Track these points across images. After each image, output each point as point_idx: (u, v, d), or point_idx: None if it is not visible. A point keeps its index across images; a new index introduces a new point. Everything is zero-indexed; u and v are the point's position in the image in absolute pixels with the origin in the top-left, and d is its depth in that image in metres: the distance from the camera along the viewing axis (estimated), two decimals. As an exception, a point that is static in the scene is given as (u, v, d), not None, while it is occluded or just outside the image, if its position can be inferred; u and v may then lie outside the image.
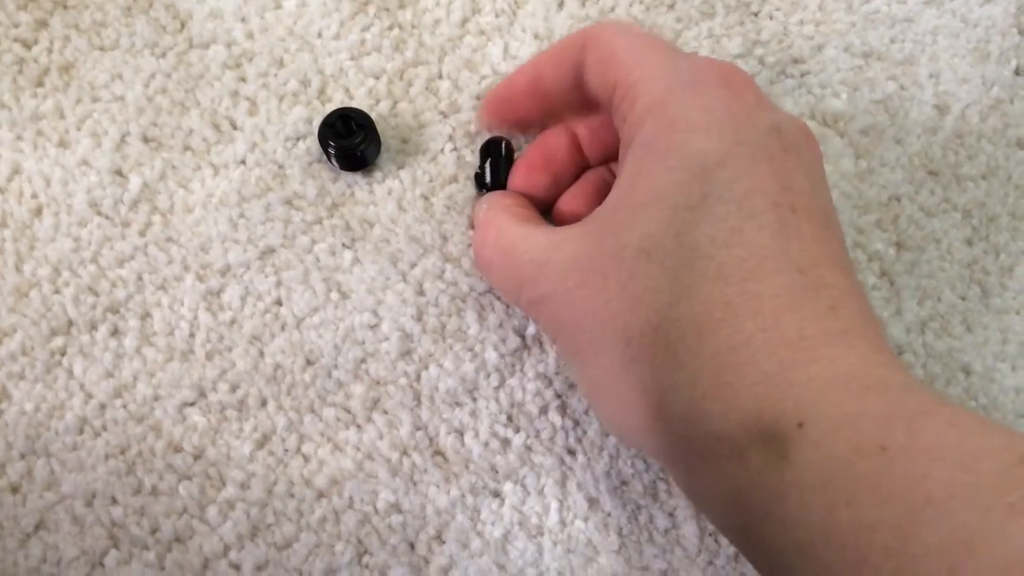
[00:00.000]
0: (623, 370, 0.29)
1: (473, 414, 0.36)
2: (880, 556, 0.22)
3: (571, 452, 0.36)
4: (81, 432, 0.34)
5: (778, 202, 0.28)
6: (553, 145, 0.36)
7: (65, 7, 0.38)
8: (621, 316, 0.29)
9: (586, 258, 0.30)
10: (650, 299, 0.28)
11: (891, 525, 0.22)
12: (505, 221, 0.34)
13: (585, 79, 0.33)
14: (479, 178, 0.37)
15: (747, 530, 0.26)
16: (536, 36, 0.39)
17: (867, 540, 0.22)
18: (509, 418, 0.36)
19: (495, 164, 0.37)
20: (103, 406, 0.35)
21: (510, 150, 0.37)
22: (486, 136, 0.38)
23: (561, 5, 0.40)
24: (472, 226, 0.37)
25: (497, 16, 0.40)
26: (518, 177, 0.36)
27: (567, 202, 0.36)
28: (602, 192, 0.34)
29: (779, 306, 0.26)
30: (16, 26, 0.37)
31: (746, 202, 0.28)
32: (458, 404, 0.36)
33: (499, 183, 0.37)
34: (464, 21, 0.39)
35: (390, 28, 0.39)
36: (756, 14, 0.41)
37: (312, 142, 0.37)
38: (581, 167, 0.37)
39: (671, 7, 0.41)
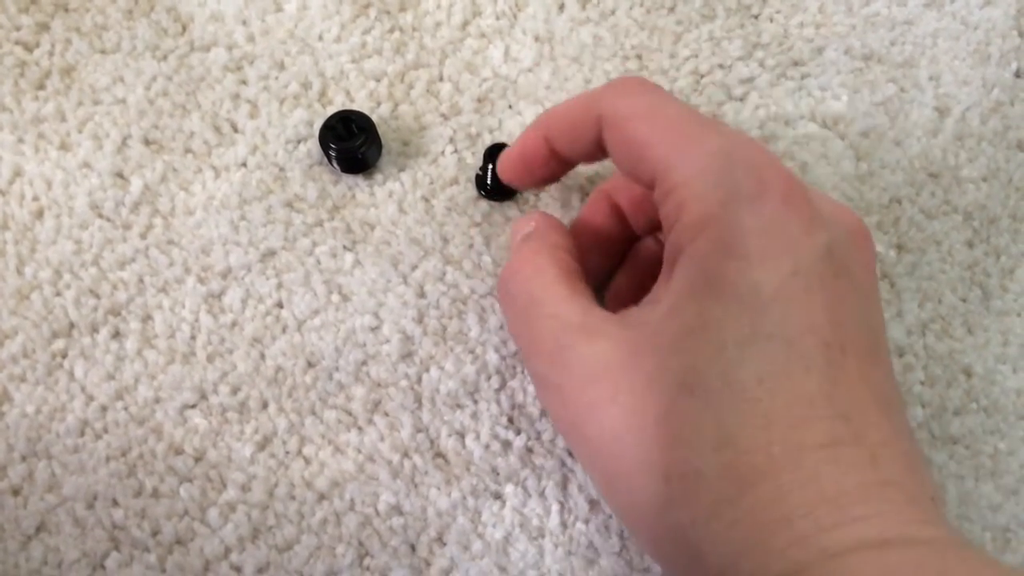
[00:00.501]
0: (659, 511, 0.27)
1: (474, 416, 0.36)
2: None
3: (572, 454, 0.36)
4: (82, 434, 0.34)
5: (828, 342, 0.27)
6: (599, 224, 0.35)
7: (66, 10, 0.38)
8: (656, 452, 0.27)
9: (621, 370, 0.28)
10: (691, 439, 0.26)
11: None
12: (547, 266, 0.32)
13: (611, 157, 0.31)
14: (480, 180, 0.37)
15: None
16: (537, 39, 0.40)
17: None
18: (510, 420, 0.36)
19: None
20: (104, 408, 0.35)
21: None
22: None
23: (562, 8, 0.40)
24: (508, 244, 0.36)
25: (498, 19, 0.40)
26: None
27: (620, 284, 0.35)
28: (654, 268, 0.32)
29: (820, 459, 0.25)
30: (17, 29, 0.37)
31: (797, 342, 0.27)
32: (459, 406, 0.36)
33: (500, 186, 0.37)
34: (465, 24, 0.40)
35: (391, 31, 0.39)
36: (756, 16, 0.41)
37: (313, 144, 0.37)
38: (627, 236, 0.36)
39: (671, 10, 0.41)
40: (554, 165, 0.34)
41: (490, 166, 0.36)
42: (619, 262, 0.36)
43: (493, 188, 0.37)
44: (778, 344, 0.26)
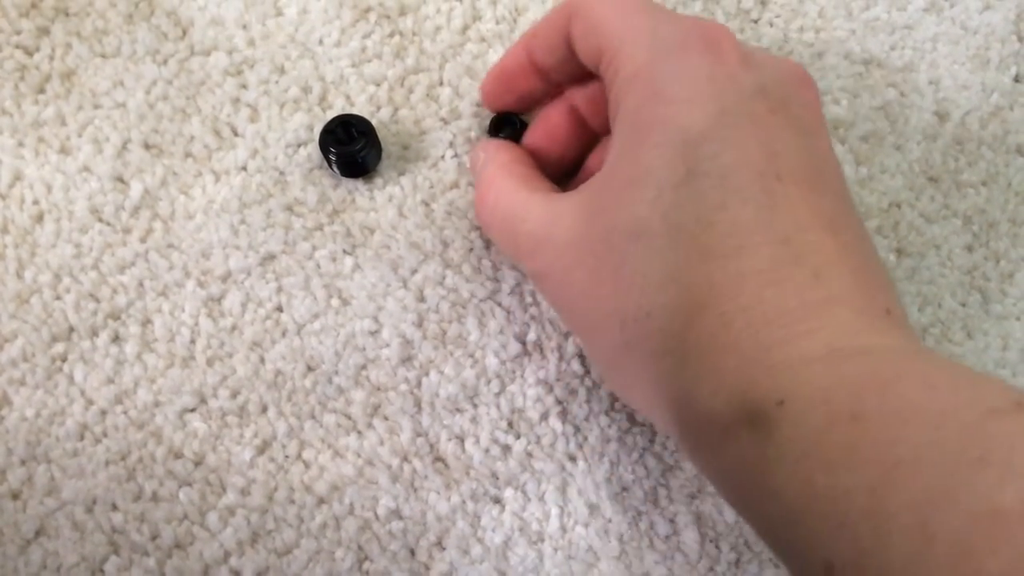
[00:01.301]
0: (621, 353, 0.29)
1: (474, 420, 0.36)
2: (857, 517, 0.22)
3: (572, 458, 0.36)
4: (82, 438, 0.34)
5: (763, 171, 0.28)
6: (554, 122, 0.36)
7: (67, 14, 0.38)
8: (614, 300, 0.29)
9: (580, 238, 0.30)
10: (640, 283, 0.28)
11: (866, 488, 0.22)
12: (505, 183, 0.34)
13: (575, 49, 0.33)
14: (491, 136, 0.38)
15: (743, 502, 0.27)
16: (536, 43, 0.40)
17: (845, 504, 0.23)
18: (510, 424, 0.36)
19: (508, 138, 0.37)
20: (104, 412, 0.35)
21: (523, 125, 0.37)
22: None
23: (561, 12, 0.40)
24: (472, 173, 0.37)
25: (498, 23, 0.40)
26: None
27: (595, 161, 0.36)
28: None
29: (761, 282, 0.26)
30: (18, 33, 0.37)
31: (730, 175, 0.28)
32: (459, 410, 0.36)
33: None
34: (465, 28, 0.40)
35: (391, 35, 0.39)
36: (756, 21, 0.41)
37: (313, 149, 0.37)
38: (587, 138, 0.37)
39: (671, 14, 0.41)
40: (534, 80, 0.36)
41: (500, 136, 0.37)
42: (583, 158, 0.37)
43: None
44: (712, 180, 0.27)
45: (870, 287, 0.28)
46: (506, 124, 0.37)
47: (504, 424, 0.36)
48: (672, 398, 0.28)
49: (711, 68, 0.29)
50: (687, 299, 0.27)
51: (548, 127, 0.36)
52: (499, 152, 0.35)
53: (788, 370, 0.25)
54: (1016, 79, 0.42)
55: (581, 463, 0.36)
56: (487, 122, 0.38)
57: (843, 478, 0.23)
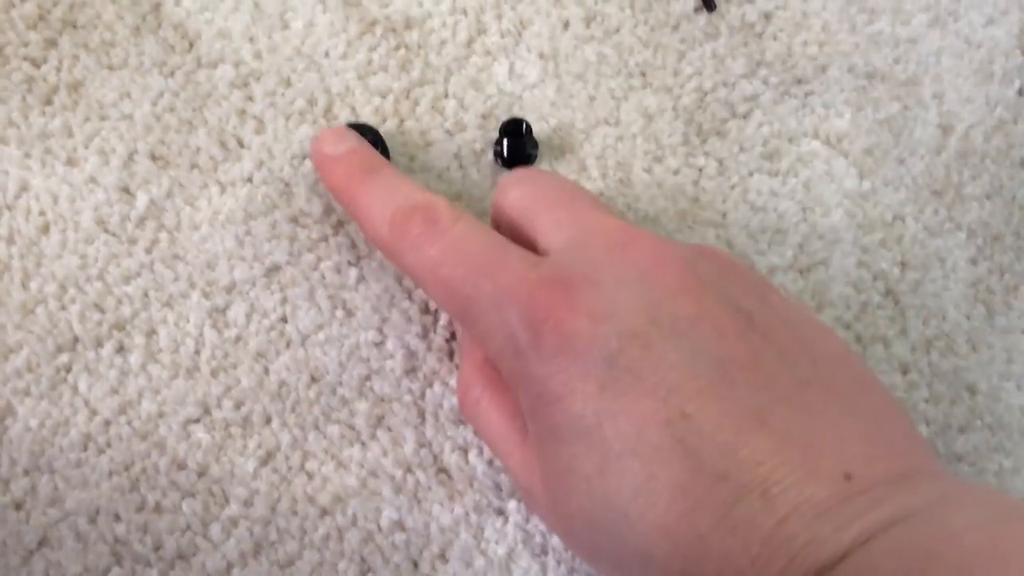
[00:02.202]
0: None
1: (477, 432, 0.36)
2: None
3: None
4: (85, 449, 0.34)
5: (668, 419, 0.27)
6: None
7: (75, 27, 0.38)
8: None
9: (554, 521, 0.31)
10: (624, 568, 0.28)
11: None
12: (485, 404, 0.33)
13: None
14: (497, 154, 0.38)
15: None
16: (541, 56, 0.40)
17: None
18: (513, 436, 0.36)
19: (512, 143, 0.37)
20: (108, 423, 0.35)
21: (529, 129, 0.37)
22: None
23: (566, 26, 0.40)
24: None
25: (503, 36, 0.40)
26: None
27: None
28: None
29: (723, 535, 0.26)
30: (25, 45, 0.38)
31: (641, 445, 0.27)
32: (462, 422, 0.36)
33: (516, 159, 0.38)
34: (470, 41, 0.40)
35: (396, 48, 0.39)
36: (760, 35, 0.41)
37: (318, 160, 0.37)
38: None
39: (675, 28, 0.41)
40: None
41: (506, 140, 0.38)
42: None
43: (510, 162, 0.38)
44: (628, 460, 0.27)
45: (819, 463, 0.26)
46: (514, 129, 0.37)
47: (508, 436, 0.36)
48: None
49: (569, 352, 0.28)
50: (600, 507, 0.28)
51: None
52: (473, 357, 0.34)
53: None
54: (1020, 93, 0.42)
55: (585, 475, 0.35)
56: (492, 134, 0.38)
57: None
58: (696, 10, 0.41)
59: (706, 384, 0.27)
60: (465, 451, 0.35)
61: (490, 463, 0.35)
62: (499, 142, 0.38)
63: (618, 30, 0.41)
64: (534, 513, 0.33)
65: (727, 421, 0.26)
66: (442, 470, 0.35)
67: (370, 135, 0.36)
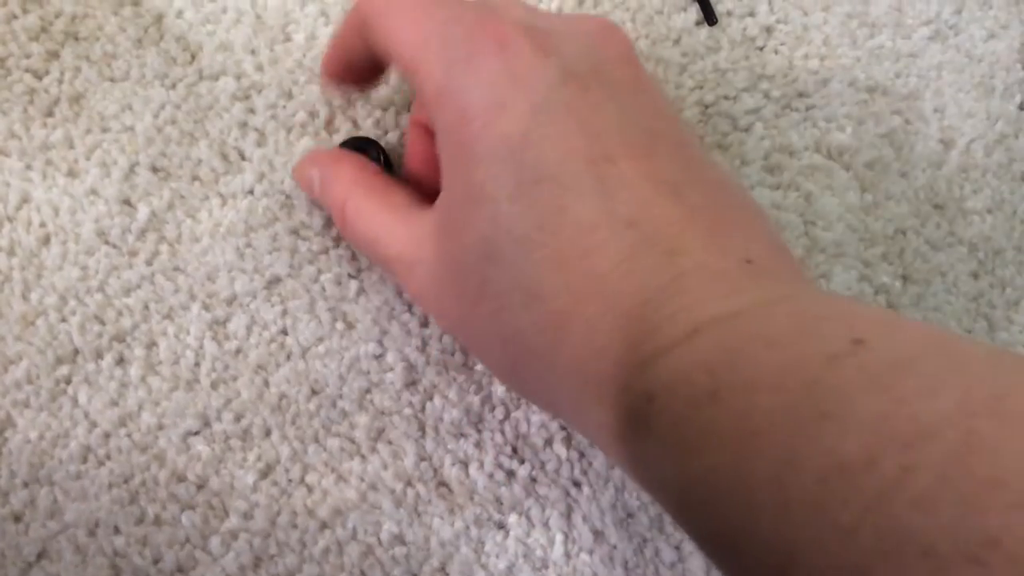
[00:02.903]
0: (508, 380, 0.31)
1: (478, 445, 0.36)
2: (725, 494, 0.22)
3: (576, 484, 0.35)
4: (85, 461, 0.34)
5: (592, 158, 0.27)
6: (420, 147, 0.35)
7: (76, 39, 0.38)
8: (489, 323, 0.28)
9: (443, 264, 0.29)
10: (505, 304, 0.27)
11: (729, 465, 0.22)
12: (361, 204, 0.32)
13: (379, 58, 0.32)
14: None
15: (652, 496, 0.27)
16: (543, 69, 0.40)
17: (714, 485, 0.22)
18: (514, 449, 0.36)
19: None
20: (107, 435, 0.34)
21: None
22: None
23: (568, 39, 0.40)
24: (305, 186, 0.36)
25: (504, 49, 0.40)
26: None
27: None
28: None
29: (618, 277, 0.26)
30: (27, 57, 0.38)
31: (561, 174, 0.27)
32: (463, 435, 0.36)
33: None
34: (471, 54, 0.40)
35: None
36: (761, 48, 0.41)
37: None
38: None
39: (676, 42, 0.41)
40: (358, 71, 0.35)
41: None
42: None
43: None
44: (545, 185, 0.26)
45: (725, 242, 0.26)
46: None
47: (508, 449, 0.36)
48: (569, 415, 0.28)
49: (509, 69, 0.28)
50: (551, 313, 0.26)
51: (419, 153, 0.35)
52: (342, 167, 0.34)
53: (653, 364, 0.24)
54: (1021, 107, 0.42)
55: (586, 489, 0.35)
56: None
57: (708, 459, 0.22)
58: (697, 24, 0.41)
59: (634, 143, 0.27)
60: (465, 464, 0.35)
61: (490, 476, 0.35)
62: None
63: (619, 43, 0.41)
64: (412, 284, 0.31)
65: (646, 181, 0.27)
66: (442, 483, 0.35)
67: (372, 149, 0.36)
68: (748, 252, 0.26)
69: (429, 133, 0.34)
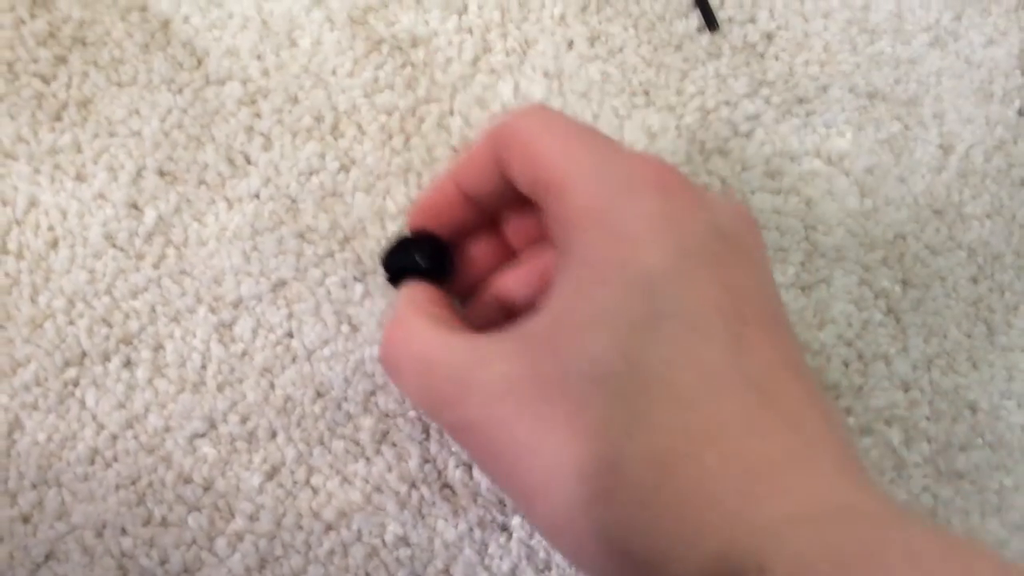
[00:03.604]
0: (579, 512, 0.26)
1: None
2: None
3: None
4: (92, 462, 0.35)
5: (728, 314, 0.27)
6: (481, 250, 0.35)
7: (84, 44, 0.38)
8: (568, 451, 0.26)
9: (523, 382, 0.27)
10: (604, 431, 0.26)
11: None
12: (416, 323, 0.31)
13: (511, 177, 0.31)
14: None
15: None
16: (546, 74, 0.40)
17: None
18: (517, 452, 0.36)
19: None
20: (115, 437, 0.35)
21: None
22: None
23: (571, 45, 0.41)
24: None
25: (508, 55, 0.40)
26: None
27: (513, 283, 0.34)
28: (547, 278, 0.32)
29: (740, 432, 0.25)
30: (35, 61, 0.38)
31: (696, 318, 0.26)
32: (467, 437, 0.36)
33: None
34: (475, 60, 0.40)
35: (403, 66, 0.40)
36: (762, 55, 0.42)
37: (326, 176, 0.38)
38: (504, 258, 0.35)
39: (678, 48, 0.41)
40: (466, 210, 0.34)
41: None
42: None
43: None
44: (677, 322, 0.26)
45: (840, 436, 0.26)
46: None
47: (512, 451, 0.36)
48: (639, 561, 0.25)
49: (666, 207, 0.28)
50: (662, 447, 0.25)
51: (483, 260, 0.35)
52: (411, 290, 0.33)
53: (772, 532, 0.23)
54: (1020, 113, 0.42)
55: (588, 491, 0.36)
56: (497, 152, 0.39)
57: None
58: (699, 30, 0.42)
59: (764, 312, 0.28)
60: (469, 467, 0.36)
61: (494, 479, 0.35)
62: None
63: (622, 50, 0.41)
64: (461, 417, 0.29)
65: (773, 351, 0.27)
66: (446, 486, 0.36)
67: (428, 247, 0.34)
68: (856, 454, 0.26)
69: (499, 243, 0.35)
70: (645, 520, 0.25)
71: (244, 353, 0.36)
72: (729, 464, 0.25)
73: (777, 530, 0.23)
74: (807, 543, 0.23)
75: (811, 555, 0.22)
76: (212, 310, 0.36)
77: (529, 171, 0.30)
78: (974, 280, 0.40)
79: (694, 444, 0.25)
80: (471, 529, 0.35)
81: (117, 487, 0.34)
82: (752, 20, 0.42)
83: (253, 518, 0.35)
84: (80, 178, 0.37)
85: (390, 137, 0.39)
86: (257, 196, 0.37)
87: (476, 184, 0.33)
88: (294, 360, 0.36)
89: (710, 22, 0.42)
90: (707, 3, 0.42)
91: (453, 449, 0.36)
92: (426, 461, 0.36)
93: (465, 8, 0.41)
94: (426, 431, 0.36)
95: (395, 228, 0.38)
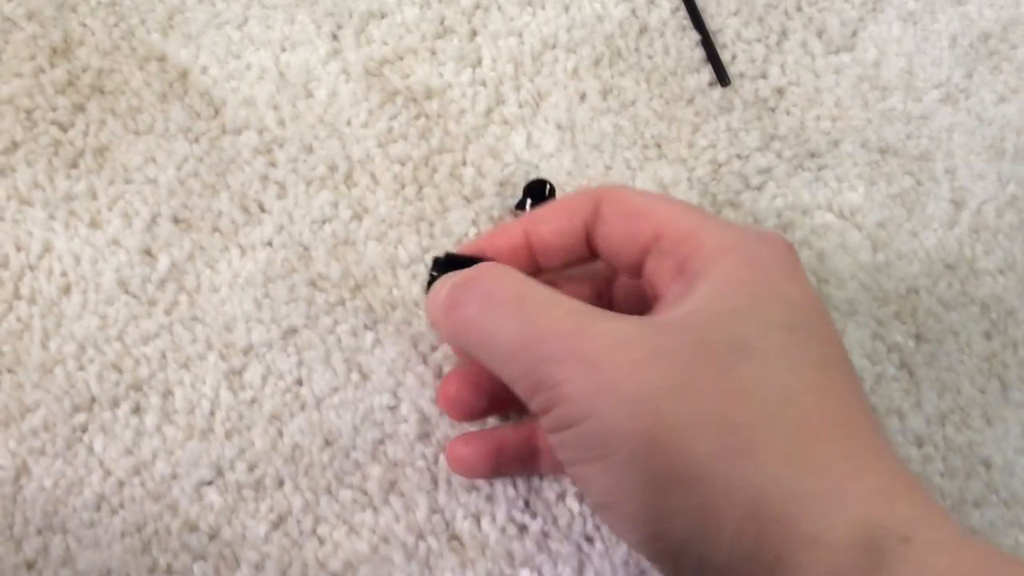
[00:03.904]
0: (719, 463, 0.26)
1: (490, 499, 0.35)
2: None
3: (589, 539, 0.35)
4: (98, 509, 0.34)
5: (846, 357, 0.30)
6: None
7: (102, 92, 0.39)
8: (716, 405, 0.27)
9: (657, 337, 0.28)
10: (753, 394, 0.27)
11: None
12: (513, 277, 0.30)
13: (598, 233, 0.32)
14: (520, 212, 0.38)
15: None
16: (559, 126, 0.40)
17: None
18: (526, 503, 0.36)
19: (536, 204, 0.37)
20: (121, 483, 0.35)
21: (552, 191, 0.38)
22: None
23: (583, 97, 0.41)
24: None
25: (521, 107, 0.41)
26: None
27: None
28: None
29: (870, 429, 0.28)
30: (54, 109, 0.38)
31: (831, 346, 0.29)
32: (475, 488, 0.36)
33: None
34: (489, 111, 0.41)
35: (417, 117, 0.40)
36: (773, 109, 0.42)
37: (338, 225, 0.38)
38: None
39: (690, 101, 0.42)
40: (523, 256, 0.34)
41: (528, 200, 0.38)
42: None
43: None
44: (817, 340, 0.29)
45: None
46: (538, 191, 0.38)
47: (521, 503, 0.35)
48: (777, 513, 0.26)
49: (790, 268, 0.30)
50: (811, 424, 0.27)
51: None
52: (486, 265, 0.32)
53: (910, 516, 0.25)
54: (1031, 169, 0.42)
55: (598, 544, 0.35)
56: (509, 201, 0.39)
57: None
58: (710, 84, 0.42)
59: (854, 375, 0.30)
60: (477, 518, 0.35)
61: (502, 530, 0.35)
62: (521, 202, 0.38)
63: (634, 103, 0.41)
64: (565, 371, 0.28)
65: (869, 408, 0.29)
66: (454, 537, 0.35)
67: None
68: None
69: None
70: (789, 476, 0.26)
71: (253, 400, 0.36)
72: (869, 441, 0.27)
73: (913, 514, 0.25)
74: (945, 531, 0.25)
75: (950, 539, 0.25)
76: (222, 357, 0.36)
77: (631, 224, 0.31)
78: (987, 335, 0.40)
79: (844, 427, 0.27)
80: (479, 582, 0.35)
81: (123, 534, 0.34)
82: (763, 75, 0.42)
83: (259, 568, 0.34)
84: (95, 224, 0.37)
85: (403, 186, 0.39)
86: (270, 244, 0.38)
87: (553, 235, 0.33)
88: (303, 408, 0.36)
89: (722, 77, 0.42)
90: (719, 58, 0.42)
91: (461, 500, 0.35)
92: (434, 512, 0.35)
93: (479, 61, 0.41)
94: (434, 481, 0.35)
95: (406, 277, 0.38)
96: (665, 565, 0.28)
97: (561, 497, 0.36)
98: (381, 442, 0.36)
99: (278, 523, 0.35)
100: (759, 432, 0.27)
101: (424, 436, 0.36)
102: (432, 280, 0.32)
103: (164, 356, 0.36)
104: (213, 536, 0.34)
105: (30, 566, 0.34)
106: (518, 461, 0.35)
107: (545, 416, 0.28)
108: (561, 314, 0.29)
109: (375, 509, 0.35)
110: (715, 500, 0.27)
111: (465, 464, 0.35)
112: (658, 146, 0.41)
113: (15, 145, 0.38)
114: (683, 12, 0.43)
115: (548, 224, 0.33)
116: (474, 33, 0.42)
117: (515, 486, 0.36)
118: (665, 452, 0.27)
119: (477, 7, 0.42)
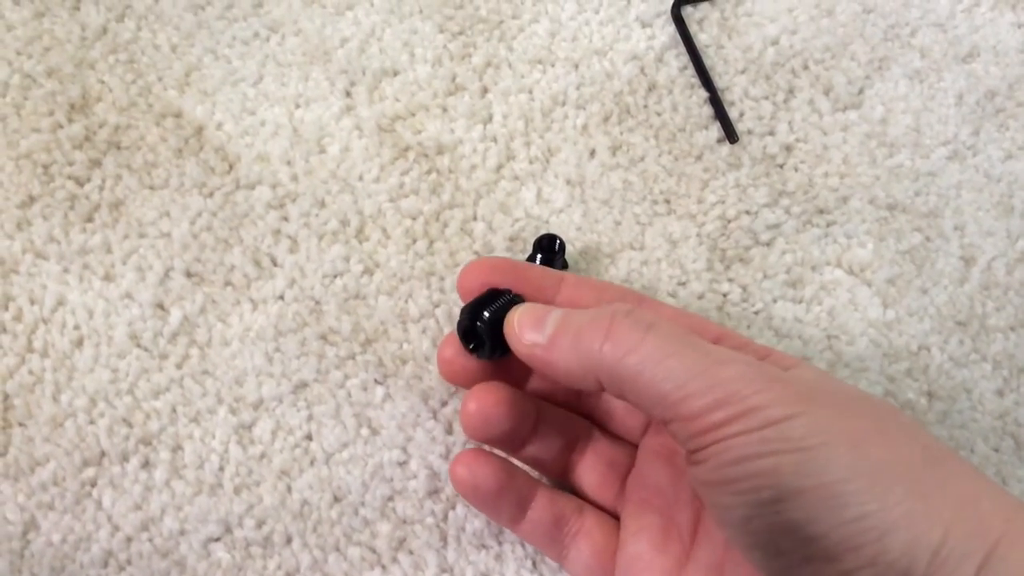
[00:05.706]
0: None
1: (499, 558, 0.35)
2: None
3: None
4: (106, 565, 0.34)
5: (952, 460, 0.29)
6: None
7: (119, 148, 0.40)
8: (839, 425, 0.27)
9: (819, 409, 0.28)
10: (901, 449, 0.28)
11: None
12: (668, 319, 0.31)
13: (618, 389, 0.30)
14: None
15: None
16: (568, 182, 0.41)
17: None
18: (534, 564, 0.35)
19: (546, 258, 0.37)
20: (129, 539, 0.34)
21: (563, 246, 0.38)
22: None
23: (593, 154, 0.42)
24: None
25: (531, 163, 0.41)
26: None
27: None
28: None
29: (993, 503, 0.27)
30: (71, 164, 0.39)
31: (951, 457, 0.29)
32: (484, 546, 0.35)
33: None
34: (499, 167, 0.41)
35: (428, 172, 0.40)
36: (781, 166, 0.42)
37: (349, 279, 0.38)
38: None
39: (699, 158, 0.42)
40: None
41: (539, 255, 0.37)
42: None
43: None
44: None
45: None
46: (548, 245, 0.38)
47: (529, 563, 0.35)
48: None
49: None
50: (985, 527, 0.26)
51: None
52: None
53: (1003, 531, 0.25)
54: (1040, 226, 0.42)
55: (608, 604, 0.35)
56: (520, 256, 0.39)
57: None
58: (719, 141, 0.42)
59: None
60: (487, 576, 0.35)
61: (512, 589, 0.35)
62: (531, 257, 0.38)
63: (643, 159, 0.42)
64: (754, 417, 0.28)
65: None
66: (463, 595, 0.35)
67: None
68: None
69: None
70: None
71: (263, 455, 0.36)
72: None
73: (1008, 528, 0.26)
74: None
75: None
76: (232, 411, 0.36)
77: (638, 392, 0.29)
78: (1000, 393, 0.40)
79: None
80: (488, 642, 0.34)
81: (129, 591, 0.34)
82: (771, 132, 0.43)
83: (265, 626, 0.34)
84: (108, 278, 0.37)
85: (414, 241, 0.39)
86: (282, 297, 0.38)
87: (563, 373, 0.31)
88: (312, 463, 0.36)
89: (730, 134, 0.42)
90: (727, 116, 0.43)
91: (471, 558, 0.35)
92: (443, 570, 0.35)
93: (490, 118, 0.42)
94: (444, 539, 0.35)
95: (417, 331, 0.38)
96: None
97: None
98: (390, 498, 0.36)
99: (286, 580, 0.34)
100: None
101: (433, 493, 0.36)
102: (477, 314, 0.33)
103: (174, 410, 0.36)
104: (220, 593, 0.34)
105: (36, 623, 0.33)
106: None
107: (727, 427, 0.28)
108: (727, 348, 0.30)
109: (384, 567, 0.35)
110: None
111: (480, 416, 0.33)
112: (667, 201, 0.41)
113: (32, 199, 0.38)
114: (691, 70, 0.44)
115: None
116: (485, 90, 0.42)
117: (523, 545, 0.35)
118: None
119: (488, 65, 0.43)
